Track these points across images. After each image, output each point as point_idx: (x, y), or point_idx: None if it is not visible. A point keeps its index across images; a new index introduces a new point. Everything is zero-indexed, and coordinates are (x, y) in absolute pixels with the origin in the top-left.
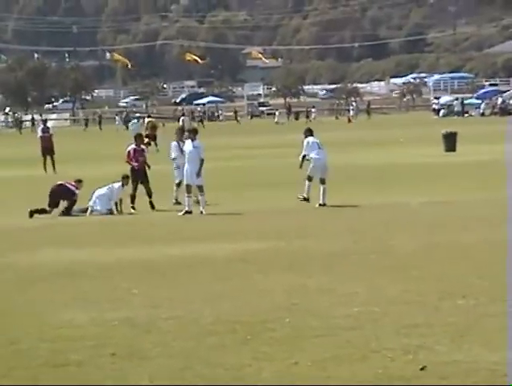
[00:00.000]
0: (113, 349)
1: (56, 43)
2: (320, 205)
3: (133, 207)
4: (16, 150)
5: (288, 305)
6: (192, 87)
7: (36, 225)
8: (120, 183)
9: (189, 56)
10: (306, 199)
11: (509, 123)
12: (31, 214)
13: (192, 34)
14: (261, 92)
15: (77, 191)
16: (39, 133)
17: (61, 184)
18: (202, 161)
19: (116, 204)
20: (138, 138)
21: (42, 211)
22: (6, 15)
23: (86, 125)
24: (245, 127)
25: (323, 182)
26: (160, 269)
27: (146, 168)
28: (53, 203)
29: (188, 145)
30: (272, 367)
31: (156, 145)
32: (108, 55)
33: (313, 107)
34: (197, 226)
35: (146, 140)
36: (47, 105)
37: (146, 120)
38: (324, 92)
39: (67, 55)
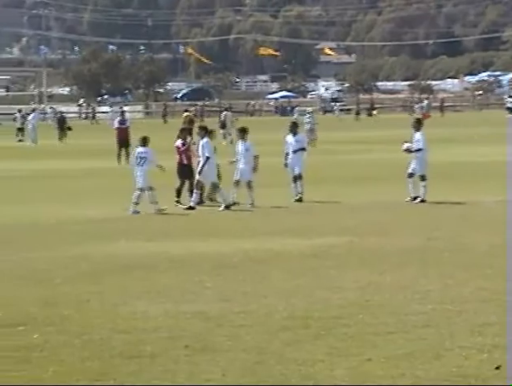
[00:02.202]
0: (186, 341)
1: (131, 35)
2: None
3: (178, 202)
4: (86, 142)
5: (362, 301)
6: (265, 81)
7: (110, 217)
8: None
9: (264, 51)
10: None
11: None
12: (178, 202)
13: (266, 28)
14: (333, 87)
15: (187, 140)
16: (116, 125)
17: (179, 162)
18: (207, 158)
19: None
20: (183, 132)
21: (179, 194)
22: (82, 7)
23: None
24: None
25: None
26: (233, 263)
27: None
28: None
29: (200, 143)
30: (345, 363)
31: (192, 139)
32: (181, 48)
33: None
34: (270, 221)
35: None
36: (99, 98)
37: (184, 114)
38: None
39: (141, 47)
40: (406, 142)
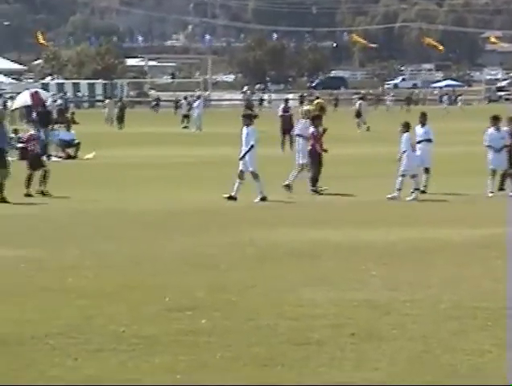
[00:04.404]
0: (352, 329)
1: (295, 23)
2: None
3: (315, 190)
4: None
5: None
6: (430, 70)
7: (272, 204)
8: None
9: (428, 41)
10: None
11: None
12: (315, 191)
13: (431, 16)
14: (499, 76)
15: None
16: (280, 112)
17: (312, 149)
18: (251, 146)
19: None
20: (316, 120)
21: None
22: None
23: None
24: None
25: None
26: (398, 252)
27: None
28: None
29: (244, 131)
30: None
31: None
32: (346, 35)
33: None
34: (432, 210)
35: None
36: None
37: (316, 101)
38: None
39: (306, 35)
40: None
